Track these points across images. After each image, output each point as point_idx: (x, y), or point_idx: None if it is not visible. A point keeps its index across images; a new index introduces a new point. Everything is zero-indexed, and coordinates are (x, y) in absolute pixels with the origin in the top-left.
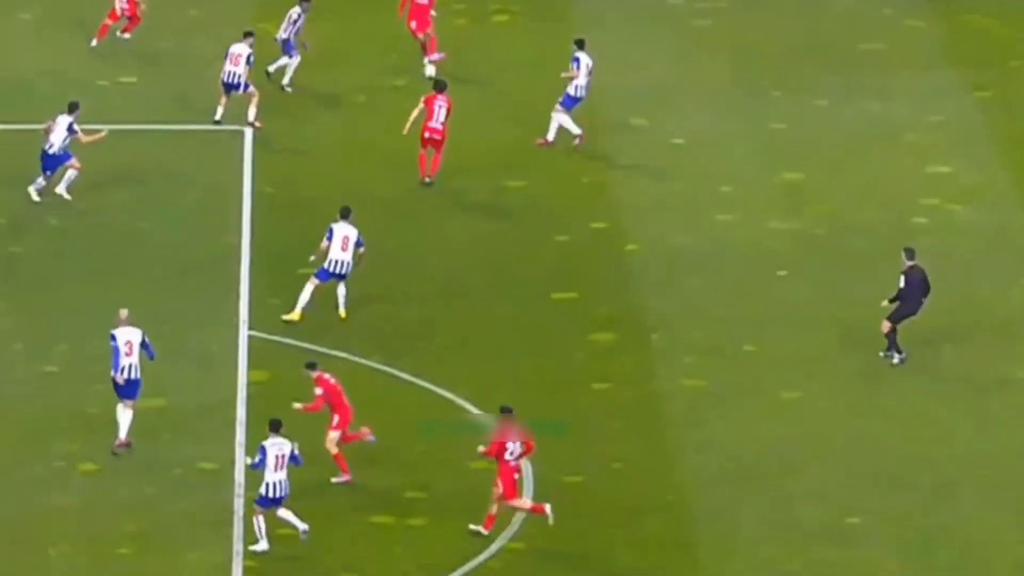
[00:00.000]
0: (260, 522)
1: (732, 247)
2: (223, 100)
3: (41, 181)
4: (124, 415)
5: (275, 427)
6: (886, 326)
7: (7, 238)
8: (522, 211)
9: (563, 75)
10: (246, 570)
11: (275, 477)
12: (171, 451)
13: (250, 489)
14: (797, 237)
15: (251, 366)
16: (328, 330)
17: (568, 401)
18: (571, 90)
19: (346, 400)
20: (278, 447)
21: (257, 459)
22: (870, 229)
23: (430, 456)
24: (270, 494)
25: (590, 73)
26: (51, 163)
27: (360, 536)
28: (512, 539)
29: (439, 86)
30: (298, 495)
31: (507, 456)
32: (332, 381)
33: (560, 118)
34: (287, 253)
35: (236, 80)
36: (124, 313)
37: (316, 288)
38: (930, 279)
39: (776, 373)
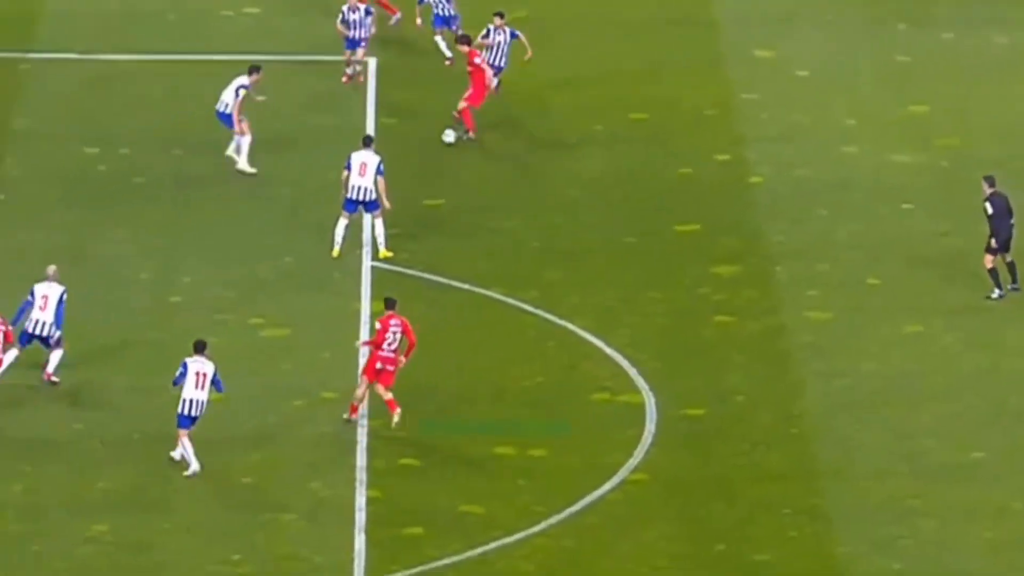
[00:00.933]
0: (185, 444)
1: (857, 180)
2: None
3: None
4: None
5: (199, 348)
6: (988, 260)
7: (132, 169)
8: (646, 144)
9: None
10: (369, 499)
11: (194, 395)
12: (293, 381)
13: (373, 418)
14: (922, 170)
15: (374, 296)
16: (450, 261)
17: (691, 333)
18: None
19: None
20: (199, 364)
21: (178, 374)
22: (995, 162)
23: (550, 388)
24: (186, 411)
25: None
26: (226, 121)
27: (481, 467)
28: (633, 471)
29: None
30: (419, 428)
31: (385, 345)
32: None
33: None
34: (409, 184)
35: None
36: (52, 269)
37: (348, 221)
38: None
39: (899, 307)
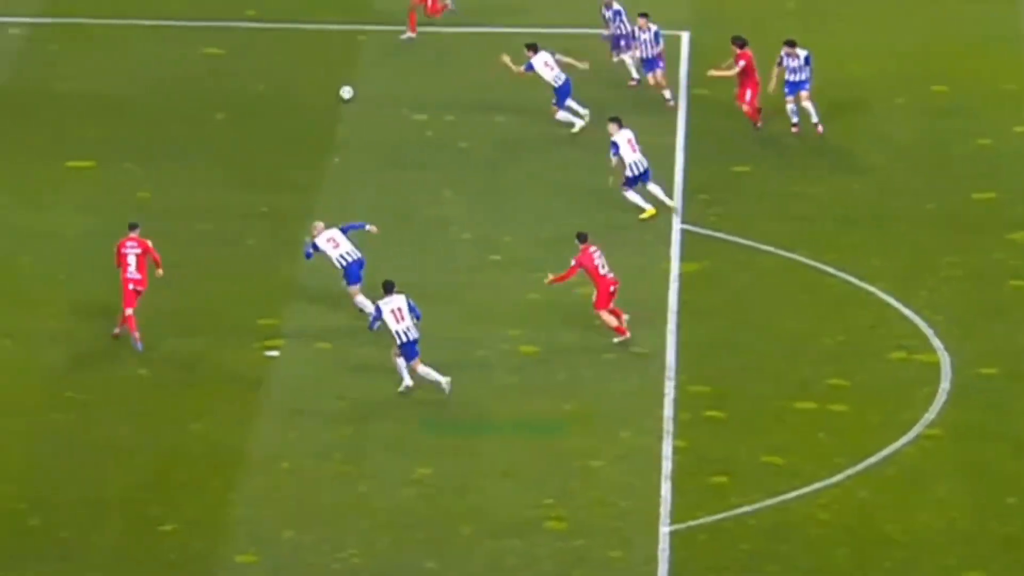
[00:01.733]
0: (422, 371)
1: None
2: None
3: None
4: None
5: (388, 288)
6: None
7: (457, 135)
8: (946, 115)
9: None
10: (675, 449)
11: (399, 327)
12: (605, 336)
13: (681, 373)
14: None
15: (683, 258)
16: (756, 225)
17: (986, 296)
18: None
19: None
20: (391, 303)
21: (372, 318)
22: None
23: (851, 346)
24: (403, 340)
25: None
26: (563, 94)
27: (784, 421)
28: (929, 426)
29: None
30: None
31: (600, 271)
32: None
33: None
34: (719, 152)
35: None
36: (320, 225)
37: (643, 193)
38: None
39: None
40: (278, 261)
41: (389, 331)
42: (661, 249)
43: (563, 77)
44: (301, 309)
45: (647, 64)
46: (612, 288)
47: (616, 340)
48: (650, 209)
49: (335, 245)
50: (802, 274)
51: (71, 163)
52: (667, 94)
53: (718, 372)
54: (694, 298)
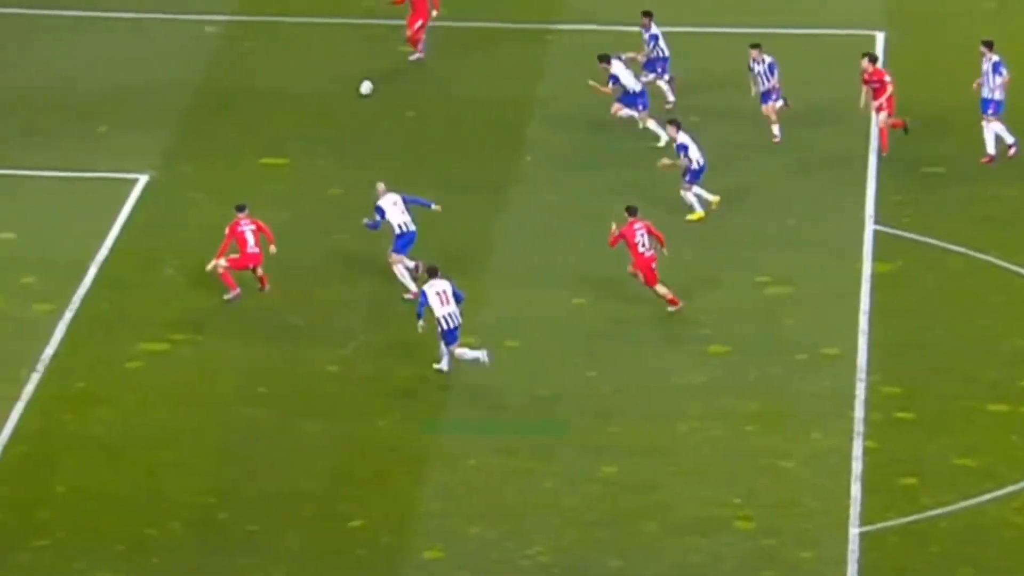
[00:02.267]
0: (460, 352)
1: None
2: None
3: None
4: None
5: (432, 271)
6: None
7: (651, 135)
8: None
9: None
10: (865, 450)
11: (444, 311)
12: (795, 336)
13: (872, 373)
14: None
15: (875, 258)
16: (948, 226)
17: None
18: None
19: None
20: (436, 286)
21: (419, 303)
22: None
23: None
24: (446, 327)
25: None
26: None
27: (975, 422)
28: None
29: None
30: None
31: (640, 250)
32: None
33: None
34: (912, 155)
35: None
36: (381, 186)
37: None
38: None
39: None
40: (467, 258)
41: (432, 316)
42: (854, 249)
43: (640, 84)
44: (487, 308)
45: (764, 96)
46: (652, 265)
47: (670, 310)
48: (700, 211)
49: (401, 211)
50: (994, 275)
51: (265, 160)
52: (775, 129)
53: (909, 373)
54: (886, 298)
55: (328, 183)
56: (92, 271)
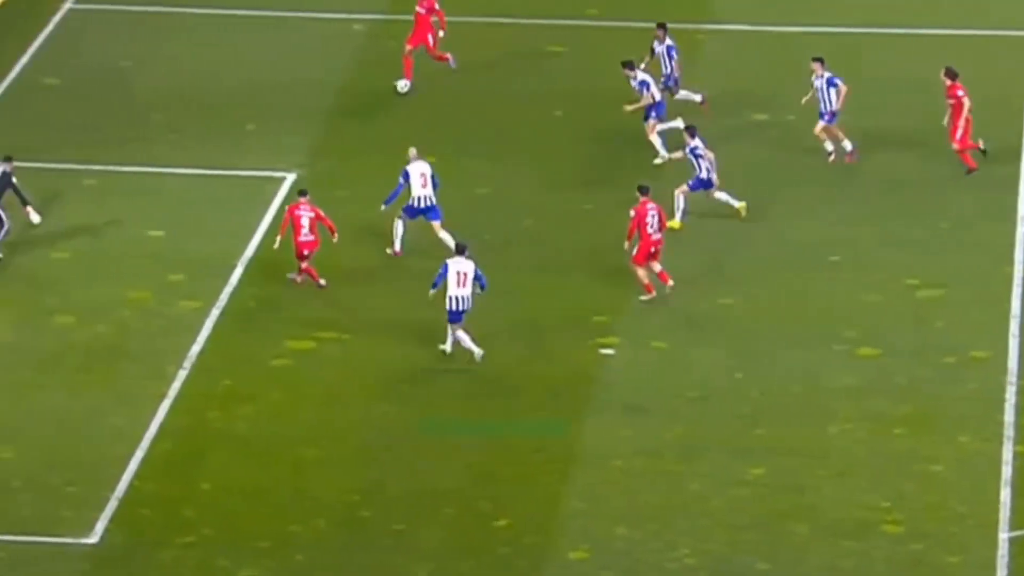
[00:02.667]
0: (460, 336)
1: None
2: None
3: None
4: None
5: (460, 250)
6: None
7: (799, 135)
8: None
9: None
10: (1016, 454)
11: (457, 292)
12: (945, 339)
13: (1022, 378)
14: None
15: None
16: None
17: None
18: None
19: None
20: (458, 265)
21: (437, 275)
22: None
23: None
24: (454, 307)
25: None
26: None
27: None
28: None
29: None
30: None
31: (649, 230)
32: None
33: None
34: None
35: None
36: (413, 152)
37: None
38: None
39: None
40: (605, 257)
41: (444, 293)
42: (1004, 252)
43: (660, 94)
44: (633, 307)
45: (821, 115)
46: (654, 249)
47: (643, 298)
48: (679, 221)
49: (423, 184)
50: None
51: None
52: (828, 147)
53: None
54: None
55: (475, 182)
56: (239, 269)
